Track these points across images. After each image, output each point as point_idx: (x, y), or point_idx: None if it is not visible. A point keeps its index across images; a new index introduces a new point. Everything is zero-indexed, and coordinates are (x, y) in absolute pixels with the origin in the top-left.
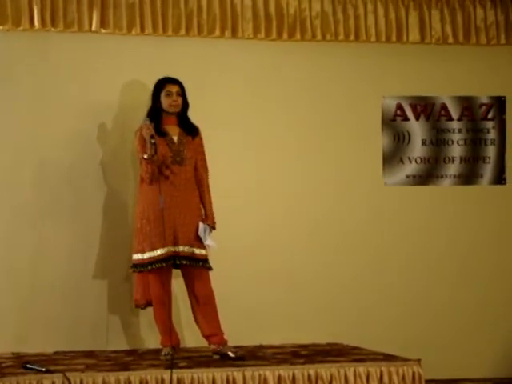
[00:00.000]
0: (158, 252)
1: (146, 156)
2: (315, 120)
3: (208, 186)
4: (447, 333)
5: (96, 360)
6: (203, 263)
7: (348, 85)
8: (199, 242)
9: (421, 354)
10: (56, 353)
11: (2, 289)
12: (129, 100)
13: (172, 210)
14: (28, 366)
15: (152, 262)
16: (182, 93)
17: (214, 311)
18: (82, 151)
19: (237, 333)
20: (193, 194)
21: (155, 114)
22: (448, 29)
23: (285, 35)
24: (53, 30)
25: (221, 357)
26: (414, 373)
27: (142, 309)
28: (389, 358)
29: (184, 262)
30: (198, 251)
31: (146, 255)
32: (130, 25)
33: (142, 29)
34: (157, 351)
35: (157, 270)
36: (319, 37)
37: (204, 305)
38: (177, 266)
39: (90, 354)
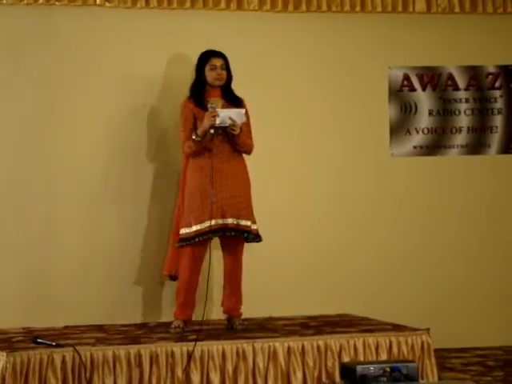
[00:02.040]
0: (206, 224)
1: (194, 137)
2: (321, 92)
3: (249, 146)
4: (455, 302)
5: (106, 334)
6: (248, 234)
7: (354, 56)
8: (247, 213)
9: (429, 323)
10: (66, 327)
11: (14, 264)
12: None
13: (217, 183)
14: (38, 340)
15: (198, 234)
16: (226, 65)
17: (238, 284)
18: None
19: (247, 304)
20: (238, 165)
21: (199, 86)
22: None
23: (290, 7)
24: (57, 3)
25: (229, 328)
26: (422, 342)
27: (172, 280)
28: (398, 327)
29: (233, 234)
30: (244, 222)
31: (194, 228)
32: None
33: (147, 2)
34: (166, 324)
35: (195, 243)
36: (325, 8)
37: (231, 277)
38: (223, 238)
39: (100, 328)
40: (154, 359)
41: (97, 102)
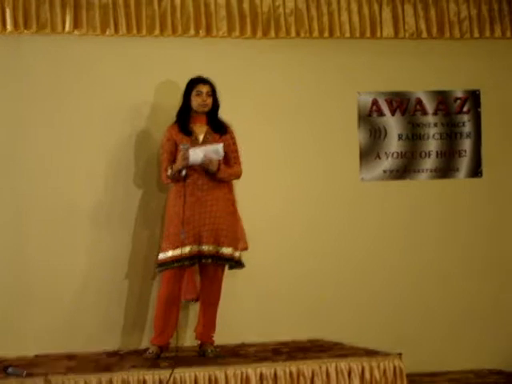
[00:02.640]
0: (179, 251)
1: (169, 173)
2: (290, 117)
3: (235, 175)
4: (427, 327)
5: (77, 362)
6: (230, 262)
7: (323, 81)
8: (228, 241)
9: (401, 348)
10: (37, 356)
11: None
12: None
13: (196, 210)
14: (9, 370)
15: (173, 260)
16: (213, 93)
17: (214, 313)
18: None
19: (219, 331)
20: (219, 193)
21: (185, 112)
22: (422, 23)
23: (259, 33)
24: (25, 32)
25: (201, 354)
26: (395, 367)
27: (195, 302)
28: (370, 352)
29: (209, 261)
30: (224, 250)
31: (169, 254)
32: (104, 26)
33: (116, 29)
34: (139, 352)
35: (175, 268)
36: (293, 34)
37: (208, 306)
38: (202, 265)
39: (71, 357)
40: None
41: (84, 128)
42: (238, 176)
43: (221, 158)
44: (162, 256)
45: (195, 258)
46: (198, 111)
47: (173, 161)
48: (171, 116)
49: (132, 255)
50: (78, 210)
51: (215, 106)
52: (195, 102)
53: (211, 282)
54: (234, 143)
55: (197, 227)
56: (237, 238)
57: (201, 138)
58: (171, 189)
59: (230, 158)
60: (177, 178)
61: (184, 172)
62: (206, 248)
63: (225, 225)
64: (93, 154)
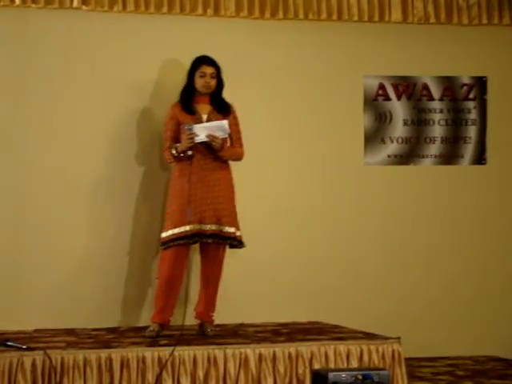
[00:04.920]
0: (182, 229)
1: (174, 152)
2: (296, 99)
3: (238, 155)
4: (426, 312)
5: (77, 337)
6: (231, 241)
7: (330, 64)
8: (229, 220)
9: (401, 332)
10: (37, 330)
11: None
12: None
13: (199, 189)
14: (8, 343)
15: (174, 238)
16: (217, 74)
17: (214, 292)
18: None
19: (219, 310)
20: (222, 173)
21: (188, 92)
22: (430, 8)
23: (267, 14)
24: (33, 6)
25: (200, 333)
26: (393, 351)
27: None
28: (369, 336)
29: (210, 241)
30: (226, 229)
31: (170, 232)
32: (112, 2)
33: (124, 6)
34: (139, 329)
35: (176, 247)
36: (301, 15)
37: (208, 285)
38: (203, 244)
39: (71, 332)
40: (124, 364)
41: (86, 104)
42: (239, 157)
43: (226, 136)
44: (163, 234)
45: (196, 237)
46: (201, 91)
47: (175, 140)
48: (175, 94)
49: (133, 232)
50: (78, 186)
51: (219, 86)
52: (198, 82)
53: (212, 262)
54: (237, 124)
55: (199, 206)
56: (236, 218)
57: (204, 117)
58: (174, 167)
59: (233, 138)
60: (182, 158)
61: (190, 152)
62: (208, 227)
63: (227, 204)
64: (95, 129)
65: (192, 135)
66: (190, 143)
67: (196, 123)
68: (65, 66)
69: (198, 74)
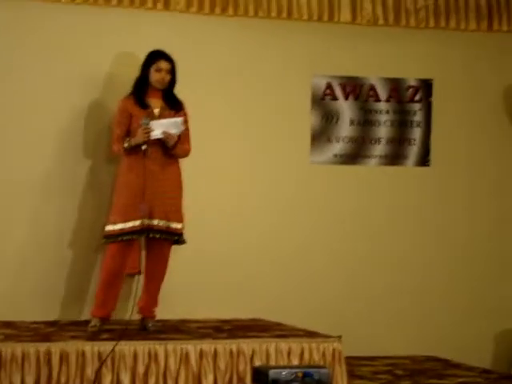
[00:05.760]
0: (130, 224)
1: (126, 145)
2: (244, 96)
3: (185, 152)
4: (368, 312)
5: (16, 330)
6: (179, 237)
7: (278, 62)
8: (177, 216)
9: (341, 331)
10: None
11: None
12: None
13: (148, 184)
14: None
15: (122, 233)
16: (172, 70)
17: (158, 288)
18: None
19: (161, 305)
20: (171, 168)
21: (142, 85)
22: (379, 10)
23: (217, 10)
24: None
25: (142, 328)
26: (334, 349)
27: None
28: (310, 334)
29: (157, 236)
30: (174, 225)
31: (118, 226)
32: None
33: None
34: (79, 323)
35: (124, 242)
36: (252, 13)
37: (152, 281)
38: (149, 239)
39: (9, 324)
40: (64, 358)
41: (36, 97)
42: (187, 154)
43: (179, 133)
44: (109, 228)
45: (144, 232)
46: (155, 86)
47: (126, 133)
48: (127, 88)
49: (77, 226)
50: (23, 178)
51: (172, 82)
52: (154, 77)
53: (158, 258)
54: (186, 121)
55: (150, 201)
56: (182, 214)
57: (157, 111)
58: (123, 160)
59: (182, 135)
60: (132, 151)
61: (145, 146)
62: (156, 222)
63: (175, 200)
64: (44, 122)
65: (148, 130)
66: (145, 138)
67: (149, 117)
68: (12, 59)
69: (153, 68)
